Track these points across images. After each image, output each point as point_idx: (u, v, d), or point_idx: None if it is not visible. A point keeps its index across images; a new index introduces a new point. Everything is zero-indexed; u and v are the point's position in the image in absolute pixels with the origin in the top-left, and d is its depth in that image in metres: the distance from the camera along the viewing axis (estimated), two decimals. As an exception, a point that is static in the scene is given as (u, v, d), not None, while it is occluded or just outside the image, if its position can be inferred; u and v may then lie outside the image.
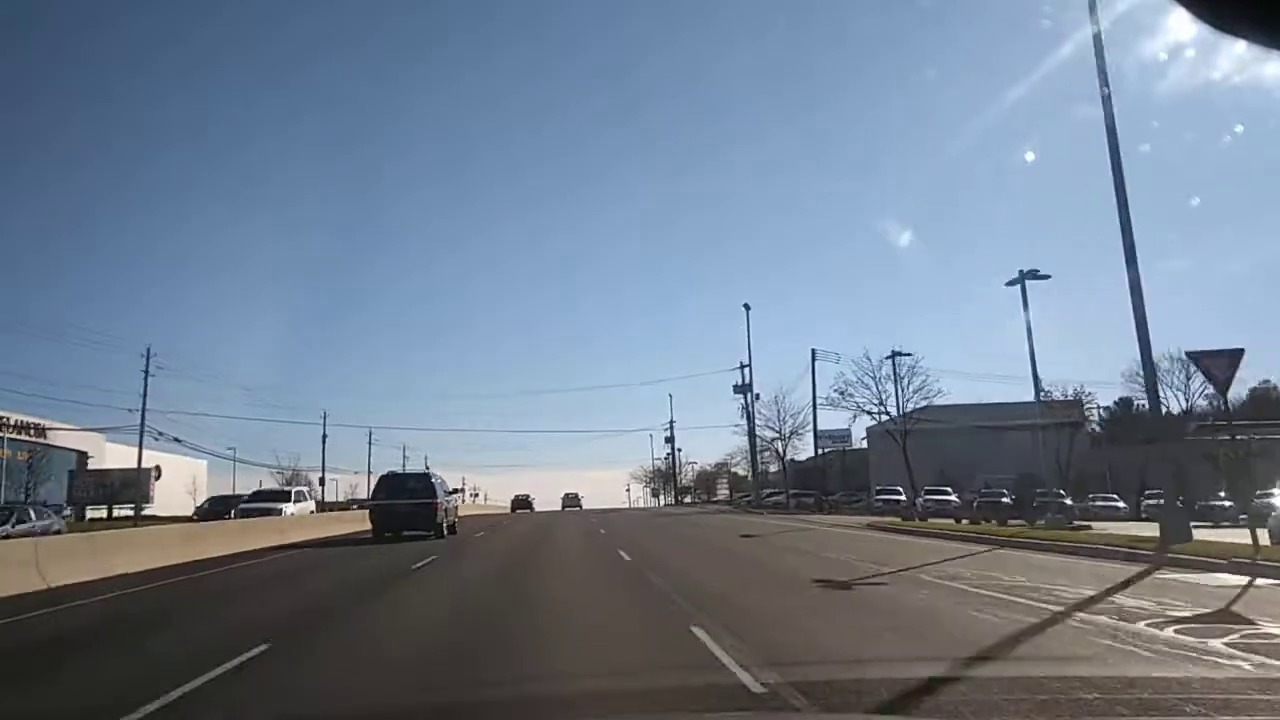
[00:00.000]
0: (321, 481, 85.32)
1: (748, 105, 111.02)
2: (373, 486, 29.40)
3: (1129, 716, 4.95)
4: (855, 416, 55.56)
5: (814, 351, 58.22)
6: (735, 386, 67.41)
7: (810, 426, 64.45)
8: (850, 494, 62.80)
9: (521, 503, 67.68)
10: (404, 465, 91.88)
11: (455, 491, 33.75)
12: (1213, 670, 6.25)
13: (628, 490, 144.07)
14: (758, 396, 65.95)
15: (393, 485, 28.01)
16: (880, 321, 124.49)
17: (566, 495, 76.45)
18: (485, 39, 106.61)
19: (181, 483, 75.90)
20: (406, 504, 26.67)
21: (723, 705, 5.45)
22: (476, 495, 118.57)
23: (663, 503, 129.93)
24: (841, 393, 52.88)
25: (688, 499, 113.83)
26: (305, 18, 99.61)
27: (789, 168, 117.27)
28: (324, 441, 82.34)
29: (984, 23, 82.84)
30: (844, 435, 68.81)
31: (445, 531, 27.69)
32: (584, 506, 72.52)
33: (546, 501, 76.02)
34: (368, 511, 28.40)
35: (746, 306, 63.50)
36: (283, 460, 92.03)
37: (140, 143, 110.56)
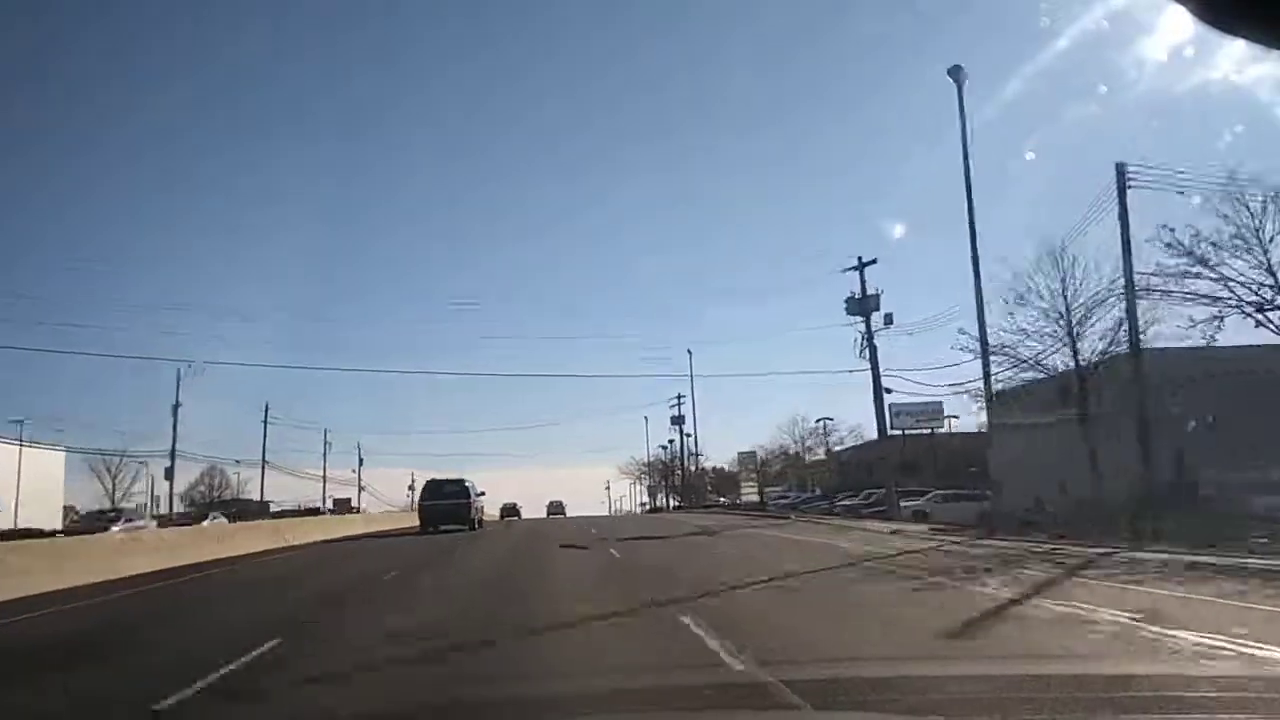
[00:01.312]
0: (169, 476, 60.73)
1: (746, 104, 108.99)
2: (420, 491, 37.60)
3: None
4: (1219, 320, 23.43)
5: (1121, 168, 25.68)
6: (850, 301, 37.99)
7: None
8: (908, 493, 39.01)
9: (510, 510, 66.25)
10: (325, 454, 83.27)
11: (482, 494, 40.29)
12: None
13: (608, 488, 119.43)
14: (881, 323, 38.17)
15: (436, 489, 35.00)
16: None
17: (551, 503, 75.71)
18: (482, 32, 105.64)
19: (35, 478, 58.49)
20: (447, 504, 33.35)
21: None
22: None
23: (637, 507, 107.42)
24: (1199, 261, 22.87)
25: (677, 502, 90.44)
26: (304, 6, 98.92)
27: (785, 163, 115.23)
28: (175, 412, 56.35)
29: (984, 22, 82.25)
30: (935, 409, 50.19)
31: (476, 525, 34.34)
32: (567, 514, 70.16)
33: (526, 509, 71.04)
34: (418, 509, 35.33)
35: (955, 73, 31.32)
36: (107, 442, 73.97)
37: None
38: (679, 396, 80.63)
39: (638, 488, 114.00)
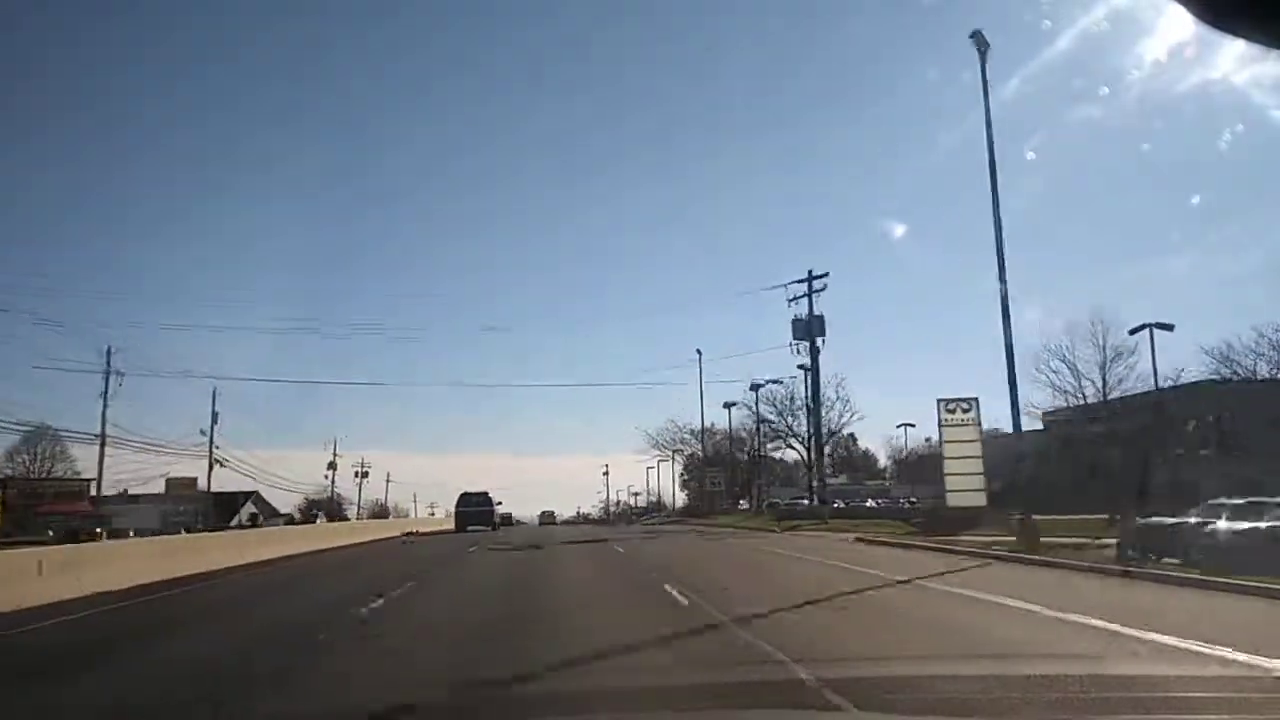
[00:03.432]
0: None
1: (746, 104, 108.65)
2: (455, 500, 47.98)
3: None
4: None
5: None
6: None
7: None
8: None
9: (504, 520, 65.25)
10: (105, 391, 66.56)
11: (499, 503, 52.20)
12: None
13: (606, 474, 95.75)
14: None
15: (467, 500, 46.40)
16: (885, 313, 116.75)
17: (543, 513, 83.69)
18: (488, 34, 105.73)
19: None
20: (475, 510, 45.18)
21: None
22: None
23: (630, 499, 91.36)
24: None
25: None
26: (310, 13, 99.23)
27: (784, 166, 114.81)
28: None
29: (984, 22, 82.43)
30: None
31: (496, 526, 46.07)
32: (558, 522, 76.21)
33: (509, 508, 71.07)
34: (454, 514, 47.01)
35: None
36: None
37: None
38: (810, 277, 43.77)
39: (668, 471, 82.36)
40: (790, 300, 44.97)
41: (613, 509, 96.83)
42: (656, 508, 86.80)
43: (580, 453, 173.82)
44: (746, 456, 67.89)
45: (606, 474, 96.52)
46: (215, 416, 56.25)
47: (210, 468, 56.74)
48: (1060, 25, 60.13)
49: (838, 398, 55.71)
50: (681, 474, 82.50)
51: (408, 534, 41.10)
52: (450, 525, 47.68)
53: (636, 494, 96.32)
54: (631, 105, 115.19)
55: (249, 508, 69.68)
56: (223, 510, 62.95)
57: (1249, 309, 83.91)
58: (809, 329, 44.23)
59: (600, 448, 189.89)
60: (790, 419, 59.76)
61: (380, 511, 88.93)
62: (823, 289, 44.24)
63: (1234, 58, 33.83)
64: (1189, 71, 49.91)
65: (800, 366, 47.69)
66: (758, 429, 63.16)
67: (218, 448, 56.54)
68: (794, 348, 45.18)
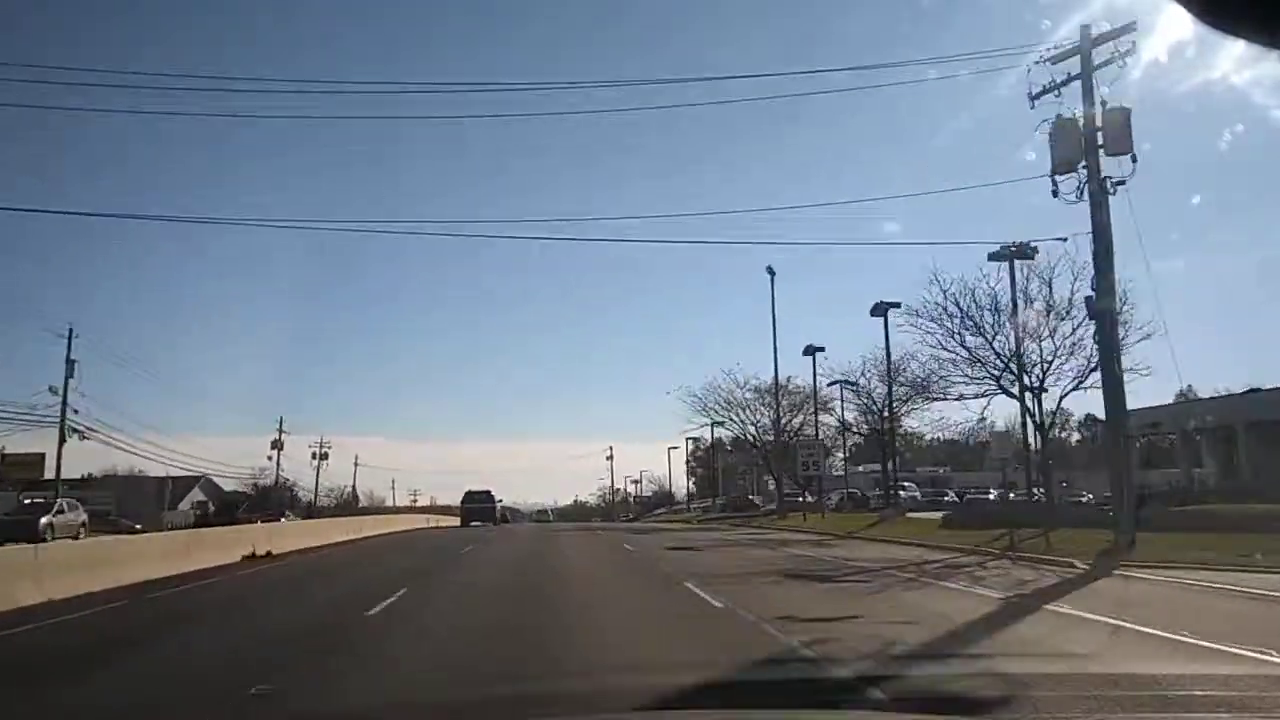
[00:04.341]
0: None
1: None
2: (461, 497, 52.72)
3: None
4: None
5: None
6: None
7: None
8: None
9: (503, 516, 64.78)
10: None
11: (500, 500, 56.28)
12: None
13: (610, 458, 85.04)
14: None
15: (472, 498, 50.79)
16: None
17: (538, 511, 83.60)
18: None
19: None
20: (479, 506, 49.55)
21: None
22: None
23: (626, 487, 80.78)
24: None
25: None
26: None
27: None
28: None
29: (984, 20, 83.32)
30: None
31: (498, 522, 50.47)
32: (552, 518, 75.53)
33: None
34: (460, 510, 51.64)
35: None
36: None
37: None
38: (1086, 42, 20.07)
39: (679, 456, 72.20)
40: (1033, 98, 21.70)
41: (613, 498, 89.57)
42: (666, 498, 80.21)
43: (579, 439, 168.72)
44: (860, 425, 45.43)
45: (610, 458, 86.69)
46: (70, 366, 40.22)
47: (61, 440, 39.44)
48: (1059, 24, 60.71)
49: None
50: (688, 460, 73.24)
51: (249, 557, 20.50)
52: (402, 525, 47.29)
53: (637, 482, 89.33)
54: (629, 102, 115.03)
55: (194, 495, 60.84)
56: (150, 499, 54.32)
57: (1246, 308, 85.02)
58: (1087, 140, 20.56)
59: (602, 431, 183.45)
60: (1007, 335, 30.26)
61: (347, 500, 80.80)
62: (1129, 52, 20.70)
63: (1234, 58, 34.17)
64: (1189, 71, 50.73)
65: (994, 259, 28.30)
66: (890, 375, 37.83)
67: (75, 411, 39.91)
68: (1055, 183, 20.96)
